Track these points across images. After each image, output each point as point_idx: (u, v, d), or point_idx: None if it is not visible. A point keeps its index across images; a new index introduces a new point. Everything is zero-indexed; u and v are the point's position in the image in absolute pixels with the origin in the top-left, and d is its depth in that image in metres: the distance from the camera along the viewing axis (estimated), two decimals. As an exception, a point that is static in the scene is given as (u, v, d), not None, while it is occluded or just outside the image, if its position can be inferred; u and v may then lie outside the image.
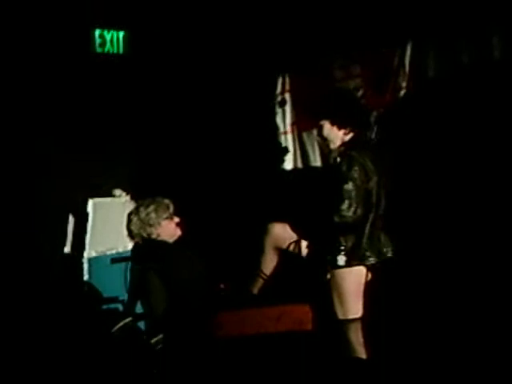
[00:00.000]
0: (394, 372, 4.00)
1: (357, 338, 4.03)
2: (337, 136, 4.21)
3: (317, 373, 3.88)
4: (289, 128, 5.75)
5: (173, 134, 5.77)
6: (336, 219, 3.99)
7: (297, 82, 5.69)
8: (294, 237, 4.27)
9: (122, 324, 4.24)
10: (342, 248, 4.04)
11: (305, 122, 5.48)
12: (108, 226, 5.12)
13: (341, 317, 4.06)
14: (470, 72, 4.56)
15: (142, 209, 4.40)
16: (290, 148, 5.73)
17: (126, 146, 5.68)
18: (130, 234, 4.41)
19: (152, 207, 4.39)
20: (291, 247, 4.25)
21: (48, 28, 5.47)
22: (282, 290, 4.24)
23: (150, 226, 4.36)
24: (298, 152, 5.70)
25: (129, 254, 4.51)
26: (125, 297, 4.40)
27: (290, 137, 5.75)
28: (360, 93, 5.13)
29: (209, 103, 5.78)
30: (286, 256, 4.32)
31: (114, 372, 4.13)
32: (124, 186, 5.37)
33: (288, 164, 5.72)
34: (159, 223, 4.36)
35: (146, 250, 4.35)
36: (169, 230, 4.39)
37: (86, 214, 5.18)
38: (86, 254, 5.15)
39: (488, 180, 4.38)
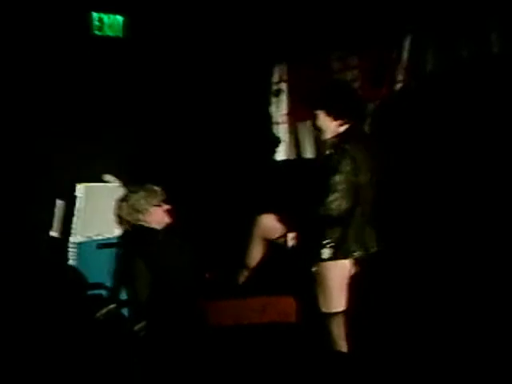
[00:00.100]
0: (375, 366, 3.99)
1: (339, 331, 4.02)
2: (330, 127, 4.17)
3: (300, 365, 3.86)
4: (283, 118, 5.73)
5: (167, 122, 5.74)
6: (321, 212, 3.97)
7: (294, 72, 5.67)
8: (283, 228, 4.26)
9: (105, 310, 4.23)
10: (328, 241, 4.02)
11: (300, 113, 5.47)
12: (96, 212, 5.12)
13: (324, 310, 4.05)
14: (467, 67, 4.53)
15: (131, 195, 4.38)
16: (284, 138, 5.71)
17: (119, 132, 5.64)
18: (119, 220, 4.39)
19: (142, 193, 4.37)
20: (279, 239, 4.23)
21: (46, 10, 5.43)
22: (267, 282, 4.23)
23: (139, 212, 4.34)
24: (292, 142, 5.68)
25: (116, 240, 4.48)
26: (110, 283, 4.38)
27: (283, 127, 5.73)
28: (357, 84, 5.10)
29: (205, 91, 5.76)
30: (272, 247, 4.31)
31: (96, 357, 4.11)
32: (114, 172, 5.36)
33: (281, 154, 5.71)
34: (148, 210, 4.35)
35: (133, 236, 4.33)
36: (158, 216, 4.37)
37: (75, 199, 5.17)
38: (72, 239, 5.15)
39: (483, 176, 4.35)
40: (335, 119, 4.15)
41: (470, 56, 4.54)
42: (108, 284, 4.42)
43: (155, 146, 5.70)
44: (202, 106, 5.74)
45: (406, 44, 4.89)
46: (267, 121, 5.75)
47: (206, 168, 5.64)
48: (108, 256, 4.40)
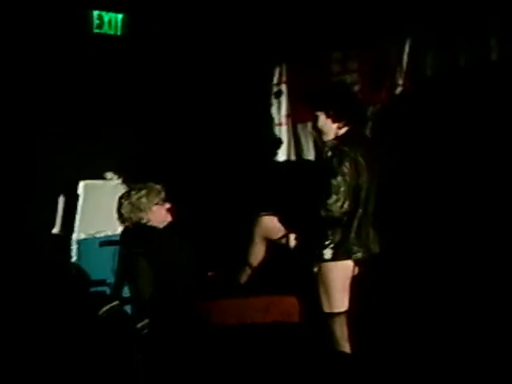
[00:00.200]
0: (378, 367, 4.02)
1: (341, 331, 4.05)
2: (331, 129, 4.21)
3: (302, 364, 3.89)
4: (284, 119, 5.75)
5: (167, 120, 5.75)
6: (323, 213, 4.00)
7: (294, 74, 5.68)
8: (284, 229, 4.28)
9: (108, 307, 4.24)
10: (329, 242, 4.05)
11: (300, 114, 5.48)
12: (98, 209, 5.12)
13: (326, 310, 4.08)
14: (466, 71, 4.56)
15: (133, 193, 4.40)
16: (284, 140, 5.73)
17: (120, 130, 5.65)
18: (120, 218, 4.40)
19: (143, 192, 4.38)
20: (280, 239, 4.26)
21: (45, 7, 5.43)
22: (269, 281, 4.25)
23: (141, 210, 4.35)
24: (292, 144, 5.69)
25: (118, 237, 4.49)
26: (112, 280, 4.40)
27: (284, 128, 5.74)
28: (356, 88, 5.13)
29: (204, 91, 5.77)
30: (274, 247, 4.33)
31: (98, 354, 4.13)
32: (116, 170, 5.37)
33: (281, 156, 5.73)
34: (150, 208, 4.36)
35: (135, 234, 4.34)
36: (159, 215, 4.39)
37: (77, 196, 5.17)
38: (75, 236, 5.16)
39: (484, 179, 4.37)
40: (335, 121, 4.19)
41: (469, 60, 4.58)
42: (110, 281, 4.44)
43: (156, 144, 5.71)
44: (202, 107, 5.75)
45: (406, 48, 4.91)
46: (268, 122, 5.76)
47: (209, 168, 5.65)
48: (110, 253, 4.41)
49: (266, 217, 4.37)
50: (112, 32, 5.79)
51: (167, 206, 4.42)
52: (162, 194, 4.42)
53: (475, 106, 4.46)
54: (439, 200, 4.54)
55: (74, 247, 5.12)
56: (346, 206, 3.99)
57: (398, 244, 4.44)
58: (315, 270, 4.11)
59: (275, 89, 5.78)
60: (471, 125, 4.48)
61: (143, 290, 4.18)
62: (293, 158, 5.69)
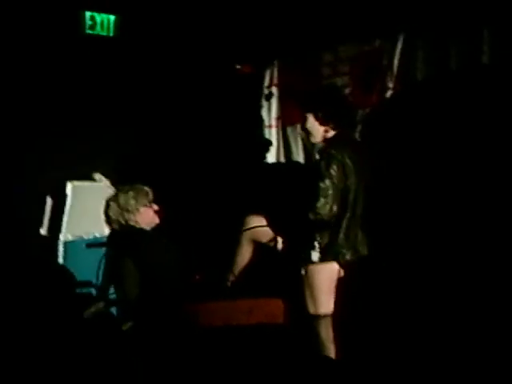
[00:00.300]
0: (363, 369, 4.01)
1: (327, 333, 4.05)
2: (318, 131, 4.21)
3: (287, 366, 3.88)
4: (274, 122, 5.76)
5: (157, 122, 5.75)
6: (311, 216, 4.00)
7: (285, 76, 5.69)
8: (272, 231, 4.27)
9: (94, 309, 4.23)
10: (317, 244, 4.05)
11: (290, 117, 5.49)
12: (86, 210, 5.10)
13: (312, 312, 4.08)
14: (457, 75, 4.56)
15: (121, 194, 4.38)
16: (274, 142, 5.73)
17: (109, 131, 5.64)
18: (108, 220, 4.39)
19: (131, 193, 4.37)
20: (268, 241, 4.25)
21: (38, 8, 5.42)
22: (256, 283, 4.24)
23: (129, 212, 4.34)
24: (282, 146, 5.70)
25: (105, 239, 4.48)
26: (99, 282, 4.38)
27: (274, 131, 5.75)
28: (347, 91, 5.12)
29: (196, 92, 5.77)
30: (262, 249, 4.32)
31: (83, 355, 4.11)
32: (104, 171, 5.35)
33: (271, 158, 5.73)
34: (138, 210, 4.35)
35: (122, 236, 4.33)
36: (147, 217, 4.37)
37: (65, 197, 5.16)
38: (62, 237, 5.14)
39: (474, 182, 4.37)
40: (323, 124, 4.19)
41: (460, 64, 4.57)
42: (96, 283, 4.42)
43: (145, 145, 5.71)
44: (192, 108, 5.75)
45: (397, 51, 4.92)
46: (258, 124, 5.77)
47: (197, 169, 5.64)
48: (97, 255, 4.39)
49: (254, 218, 4.37)
50: (104, 33, 5.79)
51: (155, 207, 4.40)
52: (150, 196, 4.41)
53: (466, 110, 4.46)
54: (428, 203, 4.53)
55: (61, 248, 5.11)
56: (334, 209, 3.99)
57: (387, 246, 4.44)
58: (302, 272, 4.10)
59: (266, 91, 5.79)
60: (461, 128, 4.48)
61: (129, 291, 4.17)
62: (282, 160, 5.70)
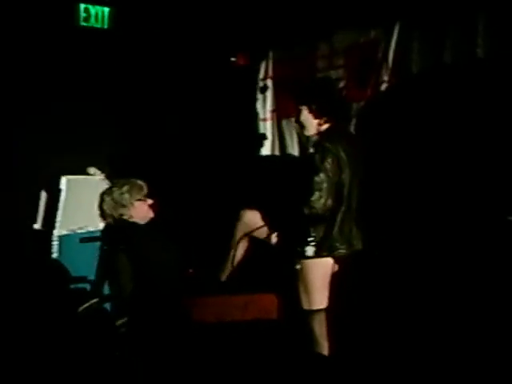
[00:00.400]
0: (357, 365, 4.01)
1: (321, 329, 4.03)
2: (312, 124, 4.18)
3: (281, 362, 3.88)
4: (269, 115, 5.75)
5: (152, 115, 5.74)
6: (306, 210, 3.98)
7: (280, 69, 5.68)
8: (266, 224, 4.26)
9: (88, 304, 4.22)
10: (312, 239, 4.03)
11: (285, 110, 5.48)
12: (80, 205, 5.09)
13: (306, 307, 4.06)
14: (452, 68, 4.55)
15: (115, 189, 4.37)
16: (269, 135, 5.72)
17: (104, 124, 5.63)
18: (102, 214, 4.37)
19: (126, 187, 4.35)
20: (262, 235, 4.24)
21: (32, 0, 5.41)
22: (250, 279, 4.24)
23: (123, 206, 4.33)
24: (277, 139, 5.70)
25: (99, 233, 4.47)
26: (93, 277, 4.38)
27: (269, 124, 5.75)
28: (342, 84, 5.11)
29: (191, 85, 5.76)
30: (256, 244, 4.31)
31: (77, 351, 4.11)
32: (99, 165, 5.35)
33: (265, 151, 5.73)
34: (132, 204, 4.33)
35: (116, 230, 4.31)
36: (141, 211, 4.36)
37: (59, 191, 5.15)
38: (56, 232, 5.13)
39: (469, 175, 4.36)
40: (317, 117, 4.16)
41: (455, 57, 4.56)
42: (91, 278, 4.42)
43: (140, 139, 5.70)
44: (187, 101, 5.74)
45: (392, 44, 4.90)
46: (253, 117, 5.76)
47: (191, 163, 5.64)
48: (91, 250, 4.38)
49: (249, 212, 4.35)
50: (99, 25, 5.80)
51: (149, 201, 4.39)
52: (145, 190, 4.39)
53: (461, 103, 4.45)
54: (423, 196, 4.53)
55: (55, 243, 5.10)
56: (329, 202, 3.97)
57: (381, 240, 4.43)
58: (297, 267, 4.09)
59: (261, 84, 5.78)
60: (456, 121, 4.47)
61: (124, 286, 4.15)
62: (277, 153, 5.69)
